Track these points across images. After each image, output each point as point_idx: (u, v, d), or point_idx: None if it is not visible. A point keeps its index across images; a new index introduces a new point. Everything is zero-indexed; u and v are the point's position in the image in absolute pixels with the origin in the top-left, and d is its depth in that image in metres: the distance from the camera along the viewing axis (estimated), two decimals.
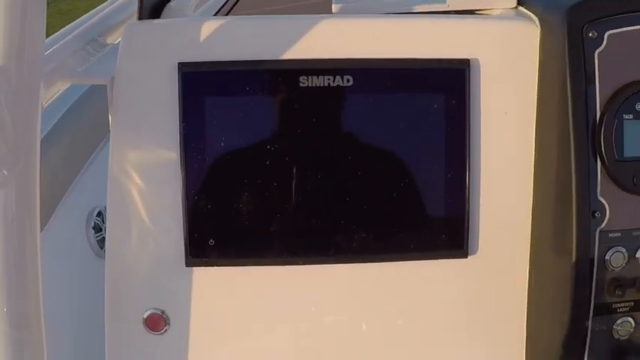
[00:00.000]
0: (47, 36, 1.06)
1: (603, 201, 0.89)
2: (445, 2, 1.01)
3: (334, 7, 1.01)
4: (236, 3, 1.27)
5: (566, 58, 0.88)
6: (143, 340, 0.96)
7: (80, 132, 1.34)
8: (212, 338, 0.97)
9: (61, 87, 0.97)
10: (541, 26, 0.93)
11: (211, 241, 0.94)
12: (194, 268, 0.94)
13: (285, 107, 0.93)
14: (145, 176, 0.93)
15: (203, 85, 0.92)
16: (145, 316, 0.96)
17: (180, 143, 0.92)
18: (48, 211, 1.20)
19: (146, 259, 0.95)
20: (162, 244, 0.94)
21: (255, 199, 0.93)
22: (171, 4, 1.11)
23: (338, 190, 0.94)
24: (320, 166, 0.94)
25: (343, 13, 1.01)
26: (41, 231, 1.16)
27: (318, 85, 0.91)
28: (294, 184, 0.93)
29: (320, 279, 0.96)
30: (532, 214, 0.96)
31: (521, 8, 1.00)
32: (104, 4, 1.31)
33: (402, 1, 1.01)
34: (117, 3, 1.29)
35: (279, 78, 0.92)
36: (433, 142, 0.94)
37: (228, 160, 0.93)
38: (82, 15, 1.26)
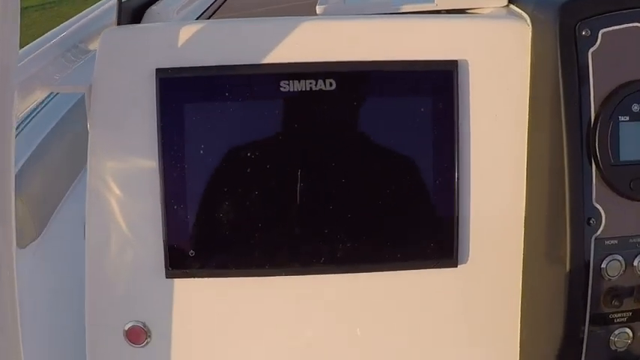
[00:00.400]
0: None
1: (599, 207, 0.86)
2: (433, 2, 0.98)
3: (318, 9, 0.99)
4: (220, 7, 1.24)
5: (559, 58, 0.85)
6: (124, 353, 0.95)
7: (80, 135, 1.33)
8: (194, 350, 0.95)
9: (39, 95, 0.96)
10: (532, 25, 0.90)
11: (192, 252, 0.91)
12: (175, 279, 0.92)
13: (266, 113, 0.90)
14: (124, 186, 0.91)
15: (181, 92, 0.90)
16: (126, 328, 0.94)
17: (159, 151, 0.90)
18: (47, 214, 1.19)
19: (126, 270, 0.93)
20: (142, 256, 0.93)
21: (236, 208, 0.91)
22: (152, 8, 1.09)
23: (322, 199, 0.91)
24: (303, 174, 0.91)
25: (327, 14, 0.98)
26: (40, 234, 1.16)
27: (299, 89, 0.89)
28: (276, 192, 0.91)
29: (304, 290, 0.94)
30: (525, 221, 0.93)
31: (511, 7, 0.97)
32: (88, 9, 1.29)
33: (389, 1, 0.98)
34: (100, 8, 1.27)
35: (259, 83, 0.90)
36: (420, 147, 0.91)
37: (208, 169, 0.90)
38: None
